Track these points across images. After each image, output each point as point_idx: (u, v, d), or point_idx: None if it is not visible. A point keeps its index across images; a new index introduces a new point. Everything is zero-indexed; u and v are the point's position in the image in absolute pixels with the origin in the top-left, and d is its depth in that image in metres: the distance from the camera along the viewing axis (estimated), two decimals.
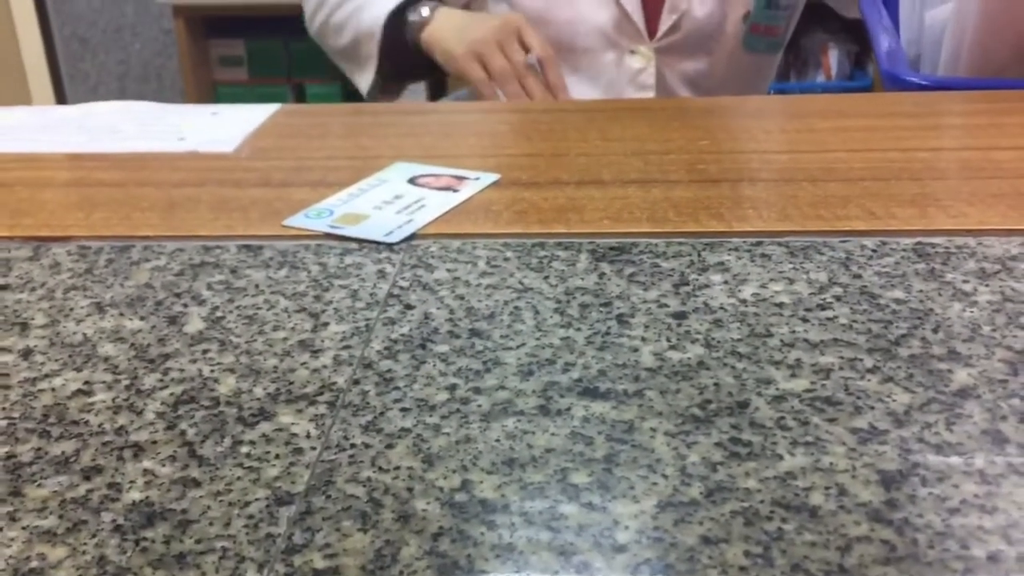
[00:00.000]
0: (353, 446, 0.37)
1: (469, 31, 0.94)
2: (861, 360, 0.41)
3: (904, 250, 0.51)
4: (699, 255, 0.51)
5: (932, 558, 0.30)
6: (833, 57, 2.37)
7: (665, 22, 1.03)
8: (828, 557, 0.31)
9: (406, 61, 1.00)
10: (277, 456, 0.36)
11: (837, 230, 0.53)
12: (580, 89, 1.06)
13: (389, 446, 0.37)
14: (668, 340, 0.43)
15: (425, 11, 0.97)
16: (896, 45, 0.86)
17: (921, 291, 0.46)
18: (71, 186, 0.64)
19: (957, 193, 0.57)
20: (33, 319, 0.47)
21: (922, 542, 0.31)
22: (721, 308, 0.46)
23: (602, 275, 0.49)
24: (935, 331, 0.43)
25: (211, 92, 2.55)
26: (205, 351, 0.44)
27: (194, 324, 0.46)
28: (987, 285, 0.47)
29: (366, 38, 1.00)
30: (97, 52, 2.82)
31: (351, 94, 2.53)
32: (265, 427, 0.38)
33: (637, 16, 1.03)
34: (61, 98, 2.86)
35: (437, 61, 0.97)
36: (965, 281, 0.47)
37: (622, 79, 1.05)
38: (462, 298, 0.48)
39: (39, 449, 0.37)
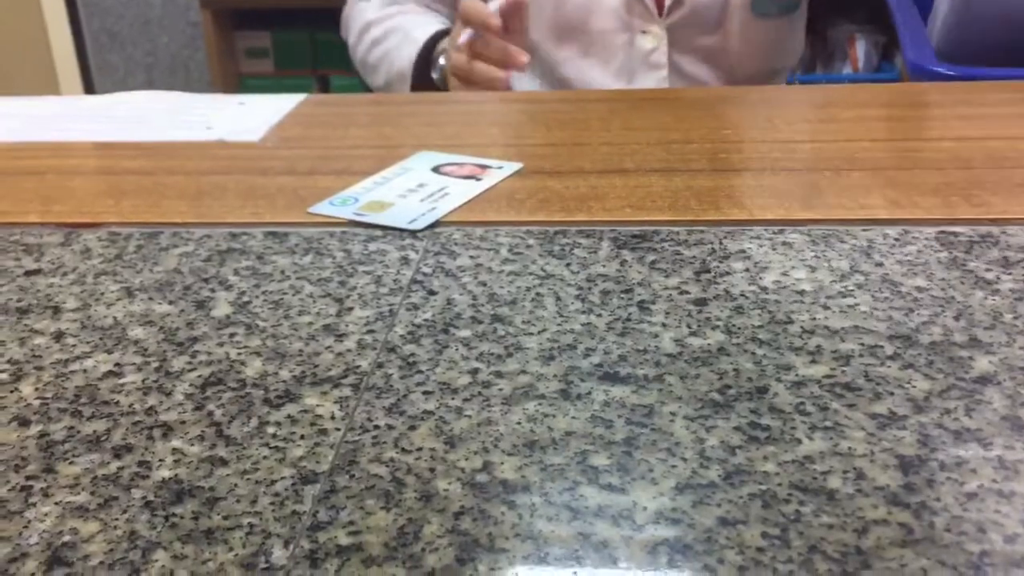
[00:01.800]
0: (376, 427, 0.37)
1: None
2: (881, 347, 0.41)
3: (927, 239, 0.51)
4: (720, 243, 0.51)
5: (949, 541, 0.31)
6: (860, 48, 2.35)
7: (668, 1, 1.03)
8: (845, 539, 0.31)
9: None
10: (302, 437, 0.37)
11: (859, 219, 0.53)
12: (593, 72, 1.06)
13: (412, 428, 0.37)
14: (688, 326, 0.44)
15: (443, 60, 0.99)
16: (922, 35, 0.85)
17: (943, 279, 0.46)
18: (101, 174, 0.66)
19: (981, 182, 0.57)
20: (65, 303, 0.48)
21: (939, 526, 0.31)
22: (742, 295, 0.46)
23: (623, 262, 0.50)
24: (956, 319, 0.43)
25: (237, 84, 2.57)
26: (232, 335, 0.44)
27: (221, 308, 0.47)
28: (1010, 274, 0.47)
29: (398, 81, 1.03)
30: (125, 45, 2.85)
31: None
32: (291, 408, 0.39)
33: None
34: (89, 90, 2.89)
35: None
36: (988, 270, 0.47)
37: (635, 60, 1.04)
38: (484, 284, 0.48)
39: (71, 428, 0.38)
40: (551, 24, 1.06)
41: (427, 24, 1.03)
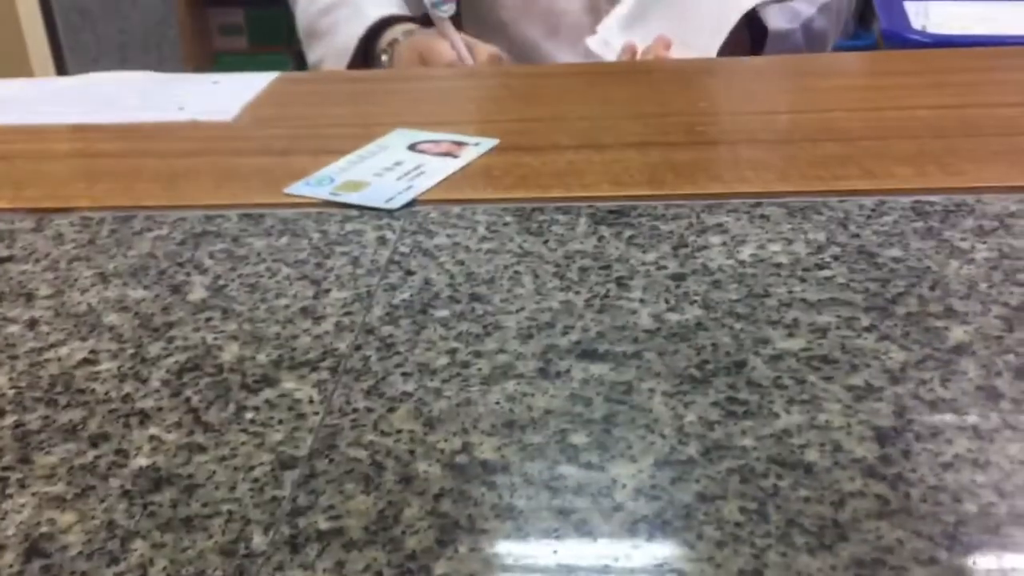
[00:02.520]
0: (355, 411, 0.37)
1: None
2: (858, 319, 0.41)
3: (902, 209, 0.51)
4: (698, 217, 0.51)
5: (925, 512, 0.31)
6: None
7: None
8: (822, 512, 0.31)
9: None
10: (281, 421, 0.37)
11: (836, 190, 0.53)
12: (561, 53, 1.06)
13: (391, 410, 0.37)
14: (666, 302, 0.44)
15: (385, 57, 0.96)
16: (897, 3, 0.85)
17: (919, 249, 0.47)
18: (73, 157, 0.65)
19: (956, 151, 0.57)
20: (38, 290, 0.48)
21: (915, 496, 0.32)
22: (719, 269, 0.46)
23: (601, 238, 0.50)
24: (932, 289, 0.43)
25: (211, 61, 2.54)
26: (208, 319, 0.44)
27: (197, 293, 0.47)
28: (984, 243, 0.47)
29: (336, 56, 0.98)
30: (96, 23, 2.81)
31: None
32: (268, 393, 0.39)
33: None
34: (62, 70, 2.85)
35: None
36: (963, 239, 0.47)
37: (566, 45, 1.04)
38: (462, 263, 0.48)
39: (47, 417, 0.38)
40: (518, 4, 1.05)
41: (379, 1, 0.99)
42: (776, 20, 0.96)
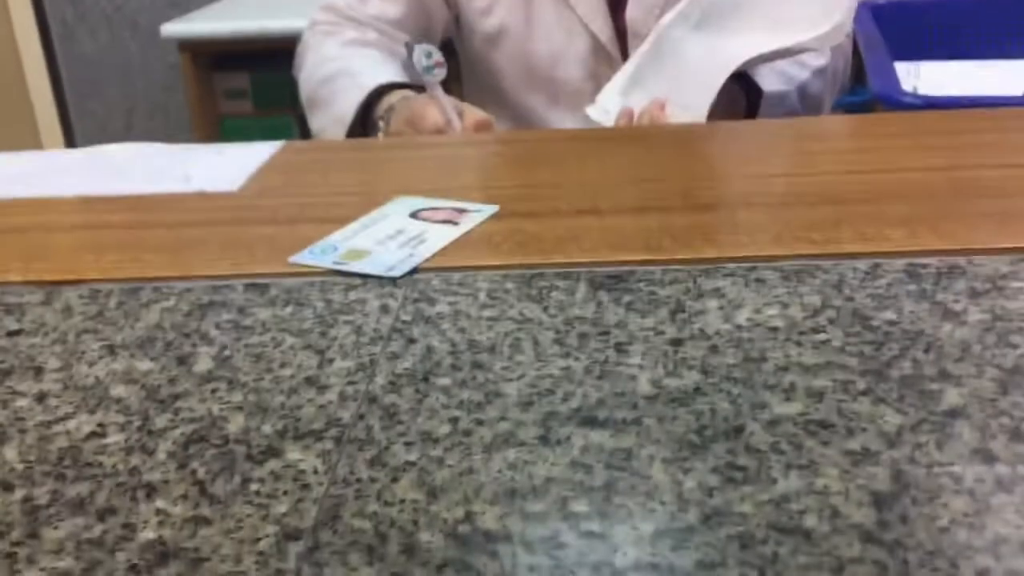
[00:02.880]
0: (359, 480, 0.38)
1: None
2: (854, 382, 0.42)
3: (896, 272, 0.52)
4: (695, 281, 0.52)
5: None
6: None
7: (632, 47, 1.05)
8: None
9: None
10: (285, 492, 0.37)
11: (830, 253, 0.54)
12: (563, 119, 1.08)
13: (394, 479, 0.38)
14: (665, 367, 0.44)
15: (382, 124, 0.97)
16: (889, 65, 0.87)
17: (912, 312, 0.47)
18: (81, 229, 0.66)
19: (948, 213, 0.58)
20: (47, 363, 0.48)
21: (913, 561, 0.32)
22: (717, 334, 0.47)
23: (600, 304, 0.51)
24: (926, 352, 0.44)
25: (217, 125, 2.58)
26: (214, 390, 0.45)
27: (203, 364, 0.47)
28: (977, 304, 0.48)
29: (335, 124, 1.00)
30: (104, 90, 2.86)
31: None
32: (273, 464, 0.39)
33: (611, 45, 1.05)
34: (69, 136, 2.89)
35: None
36: (956, 301, 0.48)
37: (566, 112, 1.06)
38: (463, 330, 0.49)
39: (55, 491, 0.38)
40: (520, 73, 1.07)
41: (377, 69, 1.00)
42: (770, 82, 0.98)
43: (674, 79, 0.94)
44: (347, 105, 0.97)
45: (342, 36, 1.07)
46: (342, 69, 1.02)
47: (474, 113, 0.90)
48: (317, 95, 1.04)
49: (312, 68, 1.06)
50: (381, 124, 0.95)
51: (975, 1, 1.26)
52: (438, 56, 0.88)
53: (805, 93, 1.02)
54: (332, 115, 1.00)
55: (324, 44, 1.07)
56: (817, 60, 1.03)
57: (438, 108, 0.88)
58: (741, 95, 0.99)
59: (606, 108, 0.94)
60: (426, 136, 0.86)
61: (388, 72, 0.99)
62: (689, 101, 0.90)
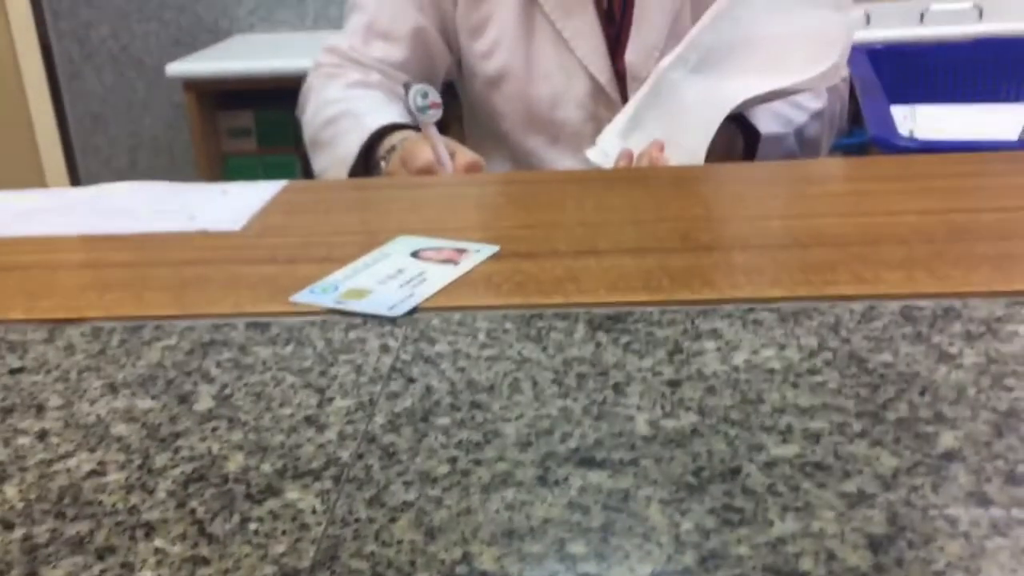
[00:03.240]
0: (357, 520, 0.38)
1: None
2: (850, 425, 0.42)
3: (892, 314, 0.52)
4: (692, 323, 0.53)
5: None
6: None
7: (631, 89, 1.06)
8: None
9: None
10: (284, 532, 0.38)
11: (826, 295, 0.54)
12: (563, 160, 1.09)
13: (392, 519, 0.38)
14: (663, 408, 0.45)
15: (384, 164, 0.98)
16: (885, 109, 0.88)
17: (908, 354, 0.48)
18: (85, 268, 0.67)
19: (943, 256, 0.58)
20: (49, 400, 0.49)
21: None
22: (714, 375, 0.47)
23: (599, 344, 0.51)
24: (922, 394, 0.44)
25: (221, 163, 2.60)
26: (214, 429, 0.45)
27: (204, 402, 0.48)
28: (973, 348, 0.48)
29: (338, 165, 1.01)
30: (109, 128, 2.89)
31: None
32: (272, 503, 0.39)
33: (611, 87, 1.06)
34: (74, 173, 2.91)
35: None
36: (951, 344, 0.49)
37: (567, 152, 1.08)
38: (463, 370, 0.49)
39: (55, 530, 0.38)
40: (521, 115, 1.09)
41: (380, 111, 1.01)
42: (768, 125, 1.00)
43: (672, 121, 0.95)
44: (350, 146, 0.99)
45: (345, 78, 1.08)
46: (345, 111, 1.03)
47: (465, 154, 0.91)
48: (320, 136, 1.06)
49: (316, 109, 1.08)
50: (383, 164, 0.97)
51: (971, 46, 1.28)
52: (434, 97, 0.90)
53: (803, 136, 1.03)
54: (335, 156, 1.01)
55: (328, 86, 1.08)
56: (814, 103, 1.04)
57: (429, 147, 0.89)
58: (739, 137, 1.00)
59: (605, 151, 0.95)
60: (423, 177, 0.87)
61: (391, 114, 1.01)
62: (687, 142, 0.91)
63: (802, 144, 1.04)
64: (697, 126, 0.91)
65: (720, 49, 0.95)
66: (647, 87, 0.99)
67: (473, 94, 1.13)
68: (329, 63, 1.11)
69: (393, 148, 0.96)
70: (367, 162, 0.98)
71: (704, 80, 0.95)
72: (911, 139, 0.87)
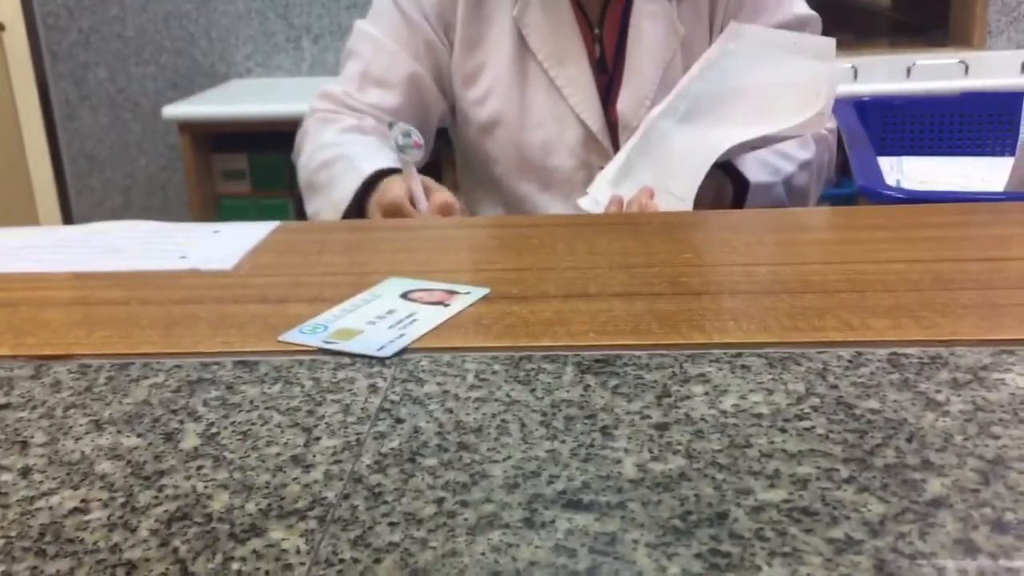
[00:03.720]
0: (342, 561, 0.38)
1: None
2: (837, 470, 0.42)
3: (879, 360, 0.52)
4: (681, 367, 0.53)
5: None
6: None
7: (622, 139, 1.07)
8: None
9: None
10: (267, 572, 0.37)
11: (814, 341, 0.55)
12: (554, 206, 1.10)
13: (377, 560, 0.38)
14: (650, 451, 0.45)
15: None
16: (872, 160, 0.89)
17: (895, 401, 0.48)
18: (74, 305, 0.66)
19: (930, 304, 0.59)
20: (33, 437, 0.48)
21: None
22: (702, 419, 0.47)
23: (587, 387, 0.51)
24: (909, 441, 0.44)
25: (214, 204, 2.61)
26: (199, 467, 0.45)
27: (189, 440, 0.47)
28: (959, 395, 0.48)
29: (331, 209, 1.01)
30: (104, 168, 2.90)
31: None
32: (256, 543, 0.39)
33: (602, 136, 1.08)
34: (67, 212, 2.92)
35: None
36: (938, 391, 0.49)
37: (559, 198, 1.09)
38: (451, 411, 0.49)
39: (35, 568, 0.38)
40: (513, 161, 1.10)
41: (374, 156, 1.02)
42: (756, 174, 1.01)
43: (662, 168, 0.97)
44: (344, 190, 0.99)
45: (341, 123, 1.09)
46: (340, 155, 1.04)
47: (441, 194, 0.91)
48: (315, 180, 1.06)
49: (311, 153, 1.09)
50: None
51: (956, 100, 1.30)
52: (416, 137, 0.91)
53: (791, 185, 1.04)
54: (330, 200, 1.02)
55: (323, 131, 1.09)
56: (803, 153, 1.06)
57: (402, 185, 0.90)
58: (728, 185, 1.01)
59: (596, 199, 0.96)
60: (397, 220, 0.88)
61: (385, 159, 1.01)
62: (676, 189, 0.92)
63: (791, 193, 1.05)
64: (686, 173, 0.92)
65: (708, 99, 0.96)
66: (637, 136, 1.00)
67: (466, 140, 1.14)
68: (324, 108, 1.12)
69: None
70: (360, 205, 0.99)
71: (692, 128, 0.97)
72: (898, 189, 0.88)
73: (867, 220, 0.78)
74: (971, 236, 0.72)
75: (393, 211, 0.90)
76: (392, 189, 0.91)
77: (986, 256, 0.67)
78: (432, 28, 1.09)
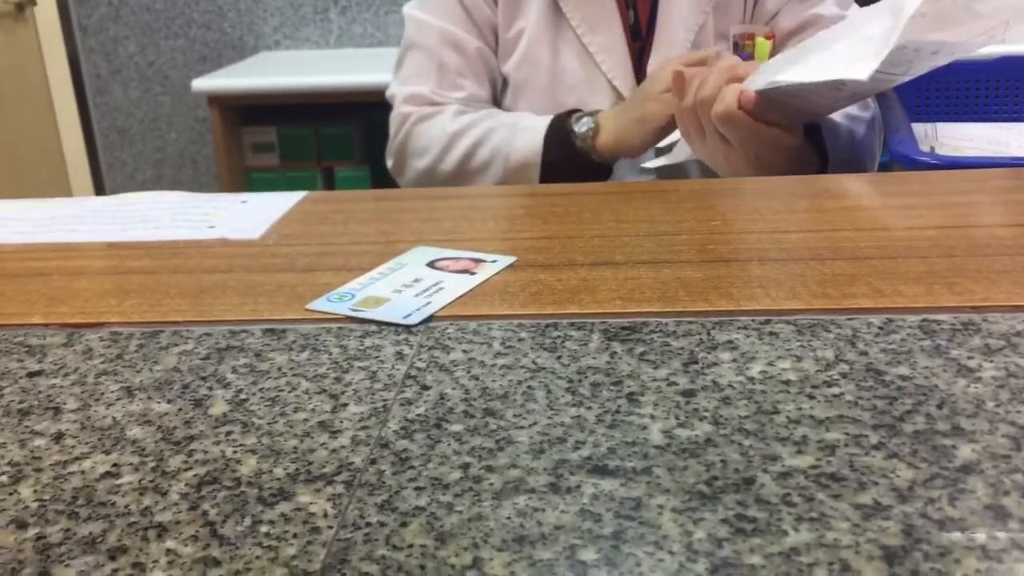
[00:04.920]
0: (368, 524, 0.38)
1: (637, 109, 0.97)
2: (866, 436, 0.42)
3: (910, 327, 0.52)
4: (708, 334, 0.52)
5: None
6: None
7: None
8: None
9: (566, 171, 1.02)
10: (295, 535, 0.38)
11: (844, 308, 0.54)
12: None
13: (403, 524, 0.38)
14: (677, 418, 0.44)
15: (587, 121, 1.00)
16: (906, 125, 0.87)
17: (926, 368, 0.47)
18: (105, 274, 0.67)
19: (963, 270, 0.58)
20: (65, 404, 0.49)
21: None
22: (729, 386, 0.47)
23: (613, 354, 0.51)
24: (939, 407, 0.44)
25: (244, 177, 2.63)
26: (228, 433, 0.45)
27: (219, 407, 0.48)
28: (991, 361, 0.48)
29: (519, 171, 1.02)
30: (135, 141, 2.92)
31: (379, 177, 2.59)
32: (284, 507, 0.39)
33: None
34: (99, 186, 2.95)
35: (615, 158, 1.01)
36: (970, 357, 0.48)
37: (624, 161, 1.08)
38: (477, 378, 0.49)
39: (68, 530, 0.39)
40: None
41: (528, 115, 1.04)
42: (835, 143, 0.98)
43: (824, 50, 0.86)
44: (523, 151, 0.99)
45: (447, 115, 1.07)
46: (489, 129, 1.04)
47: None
48: (473, 163, 1.04)
49: (444, 147, 1.06)
50: (587, 121, 0.98)
51: (992, 64, 1.27)
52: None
53: (862, 145, 1.02)
54: (510, 159, 1.01)
55: (434, 126, 1.07)
56: (865, 112, 1.04)
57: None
58: (815, 154, 0.98)
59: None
60: (445, 189, 0.88)
61: (533, 115, 1.04)
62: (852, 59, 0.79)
63: (862, 154, 1.02)
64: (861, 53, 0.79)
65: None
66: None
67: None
68: (418, 112, 1.09)
69: (588, 116, 0.98)
70: (560, 143, 0.98)
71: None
72: (932, 155, 0.87)
73: (899, 186, 0.76)
74: (1006, 201, 0.70)
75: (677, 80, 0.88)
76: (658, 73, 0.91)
77: (1019, 222, 0.66)
78: (485, 0, 1.08)
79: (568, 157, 1.00)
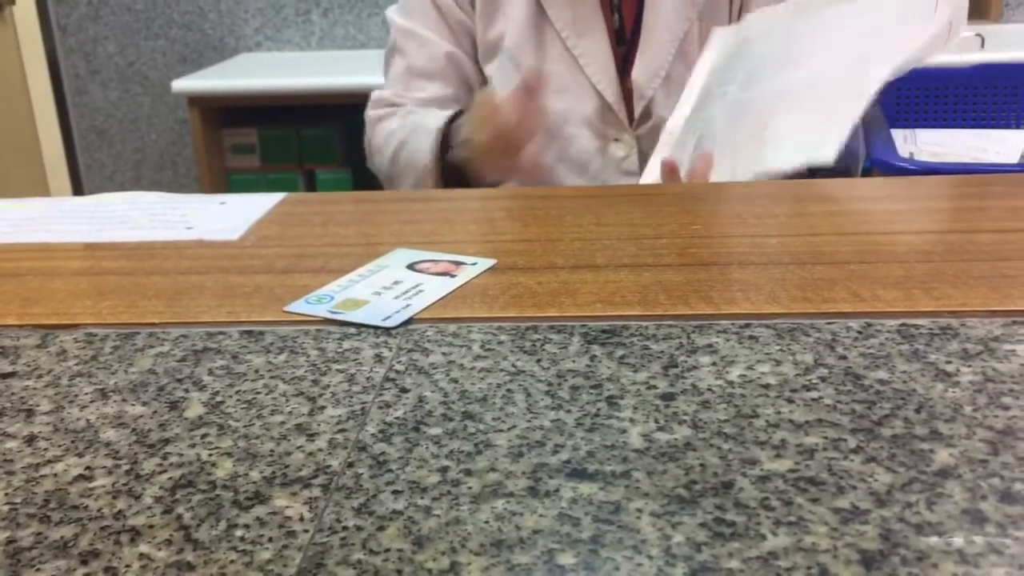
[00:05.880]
0: (345, 528, 0.38)
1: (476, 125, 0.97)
2: (845, 440, 0.42)
3: (889, 331, 0.52)
4: (688, 337, 0.52)
5: None
6: None
7: (637, 109, 1.07)
8: None
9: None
10: (270, 539, 0.37)
11: (823, 312, 0.54)
12: (569, 176, 1.09)
13: (380, 528, 0.38)
14: (656, 421, 0.44)
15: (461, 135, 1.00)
16: (886, 131, 0.88)
17: (905, 372, 0.47)
18: (80, 275, 0.66)
19: (941, 275, 0.58)
20: (38, 406, 0.48)
21: None
22: (708, 389, 0.47)
23: (593, 357, 0.51)
24: (918, 411, 0.44)
25: (224, 179, 2.61)
26: (204, 435, 0.45)
27: (194, 409, 0.47)
28: (969, 366, 0.48)
29: (424, 177, 1.02)
30: (114, 142, 2.90)
31: (360, 179, 2.58)
32: (260, 510, 0.39)
33: (618, 107, 1.07)
34: (78, 187, 2.92)
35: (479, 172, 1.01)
36: (948, 362, 0.48)
37: (608, 166, 1.08)
38: (456, 381, 0.49)
39: (39, 534, 0.38)
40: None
41: (439, 114, 1.03)
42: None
43: (754, 137, 0.89)
44: (423, 153, 1.00)
45: (398, 114, 1.10)
46: (411, 129, 1.05)
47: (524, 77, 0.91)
48: (396, 167, 1.06)
49: (381, 149, 1.09)
50: (463, 133, 0.98)
51: (970, 71, 1.28)
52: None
53: (848, 149, 1.03)
54: (414, 171, 1.02)
55: (385, 126, 1.10)
56: None
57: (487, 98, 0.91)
58: None
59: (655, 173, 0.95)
60: (428, 191, 0.88)
61: (443, 115, 1.03)
62: (812, 140, 0.81)
63: (846, 157, 1.03)
64: (823, 124, 0.82)
65: (775, 58, 0.92)
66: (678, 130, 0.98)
67: None
68: (376, 113, 1.13)
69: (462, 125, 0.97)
70: (452, 167, 0.98)
71: (779, 86, 0.90)
72: (911, 161, 0.87)
73: (879, 191, 0.77)
74: (983, 207, 0.71)
75: (493, 115, 0.89)
76: (478, 110, 0.91)
77: (998, 227, 0.66)
78: (458, 4, 1.08)
79: (457, 174, 1.00)
